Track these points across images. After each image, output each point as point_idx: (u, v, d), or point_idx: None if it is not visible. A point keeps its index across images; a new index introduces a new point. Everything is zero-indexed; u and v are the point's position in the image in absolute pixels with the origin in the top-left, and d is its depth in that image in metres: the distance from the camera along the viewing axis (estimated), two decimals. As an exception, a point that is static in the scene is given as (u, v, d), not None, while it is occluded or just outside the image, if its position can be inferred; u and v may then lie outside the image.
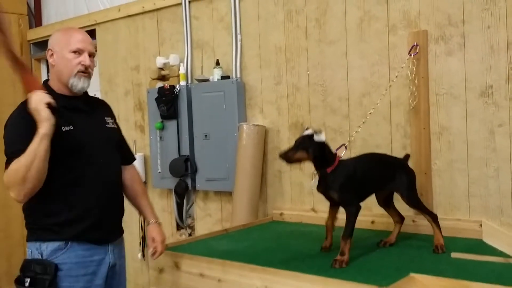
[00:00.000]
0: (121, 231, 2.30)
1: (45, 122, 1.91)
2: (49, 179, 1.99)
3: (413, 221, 2.65)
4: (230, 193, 3.46)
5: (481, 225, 2.51)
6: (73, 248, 2.06)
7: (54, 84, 2.14)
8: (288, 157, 2.25)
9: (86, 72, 2.12)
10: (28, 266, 2.04)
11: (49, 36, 4.78)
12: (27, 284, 2.01)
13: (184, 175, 3.64)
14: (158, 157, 3.79)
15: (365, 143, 2.89)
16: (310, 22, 3.11)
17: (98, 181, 2.12)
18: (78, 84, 2.10)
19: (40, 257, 2.04)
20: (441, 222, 2.55)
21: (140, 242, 3.93)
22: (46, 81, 2.18)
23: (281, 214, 3.24)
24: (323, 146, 2.26)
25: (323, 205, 2.92)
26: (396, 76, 2.71)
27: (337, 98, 3.02)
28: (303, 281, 1.97)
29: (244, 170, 3.23)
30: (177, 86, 3.64)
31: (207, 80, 3.56)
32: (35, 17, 5.01)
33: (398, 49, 2.77)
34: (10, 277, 4.71)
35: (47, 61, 5.08)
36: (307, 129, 2.29)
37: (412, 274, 1.95)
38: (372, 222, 2.78)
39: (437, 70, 2.65)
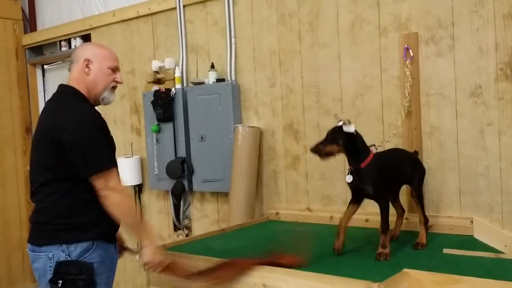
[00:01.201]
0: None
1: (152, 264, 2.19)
2: (80, 182, 2.09)
3: (406, 218, 2.70)
4: (226, 194, 3.51)
5: (472, 222, 2.57)
6: (97, 247, 2.14)
7: (83, 91, 2.22)
8: (319, 150, 2.24)
9: (116, 87, 2.29)
10: (63, 268, 2.08)
11: (44, 41, 4.86)
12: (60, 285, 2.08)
13: (180, 177, 3.68)
14: (154, 159, 3.84)
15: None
16: (303, 26, 3.17)
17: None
18: (110, 97, 2.27)
19: (68, 258, 2.09)
20: (433, 219, 2.63)
21: (138, 243, 3.96)
22: (67, 86, 2.23)
23: (277, 213, 3.29)
24: (354, 137, 2.25)
25: (318, 204, 2.98)
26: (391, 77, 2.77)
27: (331, 99, 3.08)
28: (299, 277, 2.02)
29: (240, 171, 3.28)
30: (173, 89, 3.69)
31: (202, 83, 3.61)
32: (30, 22, 5.03)
33: (389, 51, 2.83)
34: (10, 280, 4.76)
35: (42, 66, 5.13)
36: (339, 120, 2.27)
37: (405, 270, 2.01)
38: (366, 220, 2.83)
39: (428, 71, 2.71)
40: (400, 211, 2.60)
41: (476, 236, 2.53)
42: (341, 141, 2.23)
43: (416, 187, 2.49)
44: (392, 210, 2.58)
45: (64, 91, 2.24)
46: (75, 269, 2.07)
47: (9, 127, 4.85)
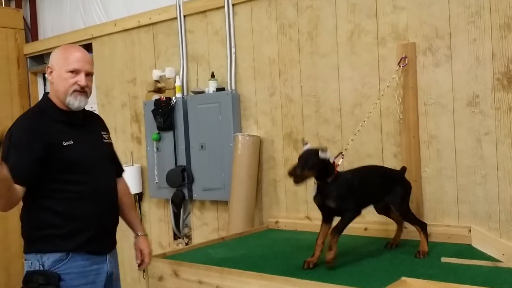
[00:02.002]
0: (115, 242, 2.33)
1: None
2: (50, 192, 2.06)
3: (405, 227, 2.72)
4: (226, 202, 3.52)
5: (470, 231, 2.59)
6: (73, 258, 2.10)
7: (54, 99, 2.18)
8: (297, 174, 2.26)
9: (83, 91, 2.15)
10: (30, 277, 2.07)
11: (45, 50, 4.89)
12: None
13: (180, 185, 3.70)
14: (155, 167, 3.86)
15: (356, 152, 2.97)
16: (302, 35, 3.20)
17: (97, 194, 2.17)
18: (74, 102, 2.14)
19: (41, 268, 2.07)
20: (431, 228, 2.64)
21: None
22: (47, 94, 2.24)
23: (277, 222, 3.31)
24: (327, 162, 2.31)
25: (318, 213, 2.99)
26: (387, 86, 2.79)
27: (330, 108, 3.10)
28: (298, 286, 2.04)
29: (239, 179, 3.30)
30: (173, 98, 3.72)
31: (203, 92, 3.64)
32: (31, 32, 5.06)
33: (387, 61, 2.86)
34: (9, 288, 4.75)
35: (43, 75, 5.17)
36: (306, 143, 2.33)
37: (403, 278, 2.03)
38: (365, 229, 2.85)
39: (425, 80, 2.74)
40: (399, 219, 2.61)
41: (474, 244, 2.55)
42: (317, 167, 2.28)
43: (397, 204, 2.47)
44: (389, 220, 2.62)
45: (38, 101, 2.26)
46: (42, 279, 2.04)
47: (10, 136, 4.86)
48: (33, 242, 2.12)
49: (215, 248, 2.87)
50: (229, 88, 3.52)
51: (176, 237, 3.92)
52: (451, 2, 2.65)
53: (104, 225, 2.21)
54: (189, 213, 3.85)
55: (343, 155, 2.52)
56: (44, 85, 5.15)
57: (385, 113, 2.89)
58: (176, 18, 3.79)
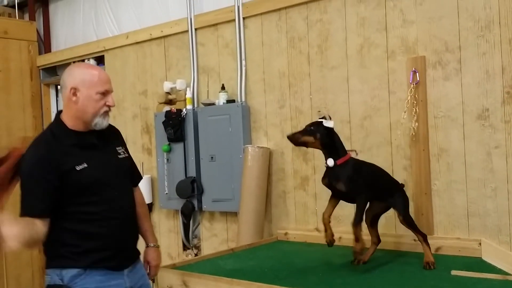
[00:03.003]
0: (136, 255, 2.30)
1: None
2: (66, 213, 2.08)
3: (414, 240, 2.71)
4: (235, 214, 3.53)
5: (480, 244, 2.58)
6: (91, 274, 2.10)
7: (68, 120, 2.14)
8: (295, 138, 2.31)
9: (109, 111, 2.17)
10: None
11: (58, 62, 4.96)
12: None
13: (190, 196, 3.72)
14: (165, 178, 3.88)
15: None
16: (312, 49, 3.23)
17: (113, 213, 2.15)
18: (102, 123, 2.14)
19: (61, 282, 2.09)
20: (441, 241, 2.65)
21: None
22: (59, 113, 2.20)
23: (286, 233, 3.31)
24: (332, 133, 2.31)
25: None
26: (404, 114, 2.81)
27: (339, 121, 3.12)
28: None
29: (249, 191, 3.32)
30: (184, 110, 3.75)
31: (213, 104, 3.67)
32: (44, 44, 5.14)
33: (397, 74, 2.88)
34: (20, 297, 4.78)
35: (56, 86, 5.22)
36: (322, 117, 2.33)
37: (413, 291, 2.03)
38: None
39: (435, 94, 2.76)
40: (375, 239, 2.62)
41: (485, 258, 2.54)
42: (319, 135, 2.31)
43: (402, 212, 2.49)
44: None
45: (50, 124, 2.23)
46: None
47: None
48: (53, 258, 2.15)
49: (224, 259, 2.88)
50: (239, 100, 3.55)
51: (185, 248, 3.94)
52: (460, 16, 2.67)
53: (121, 243, 2.19)
54: (198, 224, 3.86)
55: (356, 153, 2.55)
56: (57, 96, 5.22)
57: (394, 126, 2.90)
58: (187, 31, 3.84)
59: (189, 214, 3.80)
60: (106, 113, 2.15)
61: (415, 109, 2.75)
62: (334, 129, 2.37)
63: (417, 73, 2.76)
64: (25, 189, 2.05)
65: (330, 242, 2.44)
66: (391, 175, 2.86)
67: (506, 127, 2.54)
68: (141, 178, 2.51)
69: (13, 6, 5.13)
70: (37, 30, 5.10)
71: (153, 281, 2.48)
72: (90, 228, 2.11)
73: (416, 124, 2.75)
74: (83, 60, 4.75)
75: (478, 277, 2.26)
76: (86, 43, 4.68)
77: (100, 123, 2.14)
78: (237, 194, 3.44)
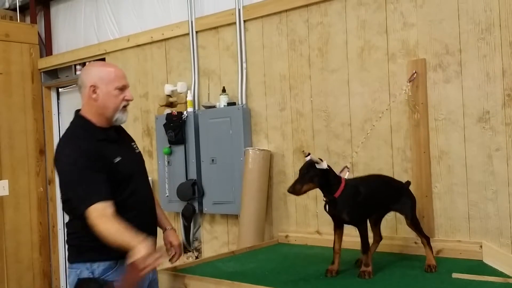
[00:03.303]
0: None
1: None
2: None
3: (415, 242, 2.72)
4: (236, 216, 3.53)
5: (481, 247, 2.58)
6: (121, 267, 2.14)
7: (91, 117, 2.22)
8: (297, 191, 2.33)
9: (127, 105, 2.26)
10: (82, 285, 2.14)
11: (59, 65, 4.97)
12: None
13: (191, 199, 3.73)
14: (166, 181, 3.89)
15: (367, 167, 2.98)
16: (313, 51, 3.23)
17: (142, 203, 2.25)
18: (122, 117, 2.24)
19: (91, 275, 2.14)
20: (442, 244, 2.65)
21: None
22: (78, 112, 2.27)
23: (287, 236, 3.31)
24: (327, 172, 2.35)
25: (328, 227, 3.00)
26: (393, 101, 2.82)
27: (340, 123, 3.12)
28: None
29: (250, 193, 3.32)
30: (185, 113, 3.76)
31: (214, 106, 3.67)
32: (46, 46, 5.14)
33: (397, 77, 2.88)
34: (21, 300, 4.78)
35: (57, 89, 5.23)
36: (307, 155, 2.35)
37: (414, 294, 2.02)
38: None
39: (436, 96, 2.76)
40: (377, 238, 2.64)
41: (486, 260, 2.54)
42: (316, 179, 2.32)
43: (409, 215, 2.49)
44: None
45: (73, 122, 2.27)
46: (95, 286, 2.12)
47: (23, 149, 4.93)
48: (84, 251, 2.19)
49: (225, 261, 2.88)
50: (240, 103, 3.55)
51: (186, 250, 3.93)
52: (461, 19, 2.67)
53: (149, 234, 2.21)
54: (199, 227, 3.86)
55: (348, 168, 2.53)
56: (58, 99, 5.23)
57: (395, 128, 2.90)
58: (188, 33, 3.85)
59: (189, 216, 3.80)
60: (125, 108, 2.24)
61: (416, 107, 2.75)
62: (329, 167, 2.37)
63: (416, 74, 2.76)
64: (80, 180, 2.07)
65: (331, 272, 2.40)
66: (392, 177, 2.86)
67: (507, 129, 2.54)
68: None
69: (14, 9, 5.14)
70: (38, 33, 5.11)
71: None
72: (124, 219, 2.12)
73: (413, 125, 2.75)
74: (84, 63, 4.77)
75: (479, 280, 2.25)
76: (87, 46, 4.69)
77: (120, 118, 2.24)
78: (237, 197, 3.44)
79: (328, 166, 2.35)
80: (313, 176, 2.32)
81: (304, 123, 3.28)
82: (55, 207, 5.14)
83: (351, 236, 2.52)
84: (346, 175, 2.48)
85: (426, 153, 2.77)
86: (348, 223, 2.41)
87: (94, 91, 2.18)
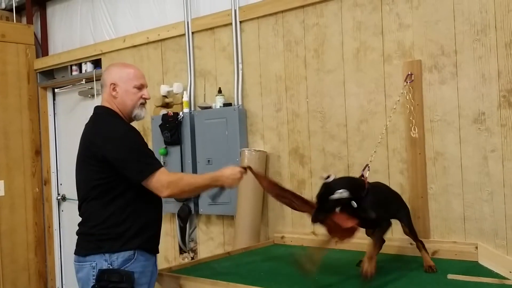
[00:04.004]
0: None
1: (231, 180, 2.40)
2: (122, 193, 2.24)
3: (411, 243, 2.71)
4: (232, 217, 3.53)
5: (476, 248, 2.58)
6: (138, 258, 2.25)
7: (115, 110, 2.37)
8: (323, 220, 2.24)
9: (145, 103, 2.44)
10: (104, 276, 2.18)
11: (55, 65, 4.95)
12: None
13: (187, 200, 3.72)
14: (161, 182, 3.87)
15: (362, 168, 2.97)
16: (308, 52, 3.23)
17: (155, 195, 2.30)
18: (141, 114, 2.42)
19: (110, 266, 2.20)
20: (438, 245, 2.66)
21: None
22: (99, 106, 2.42)
23: (282, 237, 3.31)
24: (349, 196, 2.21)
25: (323, 228, 3.00)
26: (395, 107, 2.82)
27: (336, 124, 3.12)
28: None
29: (245, 194, 3.31)
30: (181, 113, 3.75)
31: (210, 107, 3.67)
32: (42, 47, 5.14)
33: (393, 78, 2.88)
34: (16, 301, 4.77)
35: (53, 89, 5.22)
36: (327, 177, 2.24)
37: (409, 295, 2.02)
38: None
39: (431, 97, 2.76)
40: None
41: (481, 262, 2.54)
42: (338, 203, 2.21)
43: (407, 224, 2.51)
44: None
45: (99, 112, 2.40)
46: (117, 277, 2.17)
47: (19, 149, 4.92)
48: (102, 242, 2.24)
49: (221, 262, 2.87)
50: (236, 104, 3.55)
51: (182, 251, 3.93)
52: (456, 20, 2.67)
53: (158, 226, 2.44)
54: (195, 228, 3.85)
55: (369, 167, 2.53)
56: (54, 99, 5.21)
57: (391, 130, 2.90)
58: (184, 34, 3.84)
59: (185, 217, 3.80)
60: (142, 105, 2.41)
61: (410, 108, 2.75)
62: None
63: (413, 76, 2.76)
64: (139, 151, 2.25)
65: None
66: (387, 178, 2.87)
67: (502, 131, 2.55)
68: None
69: (10, 10, 5.13)
70: (34, 34, 5.10)
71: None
72: (141, 209, 2.28)
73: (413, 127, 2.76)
74: (80, 64, 4.76)
75: (474, 281, 2.25)
76: (83, 46, 4.69)
77: (139, 114, 2.40)
78: (233, 198, 3.43)
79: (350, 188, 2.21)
80: (333, 206, 2.20)
81: (300, 124, 3.28)
82: (51, 208, 5.13)
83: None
84: (367, 173, 2.48)
85: (422, 154, 2.77)
86: (372, 222, 2.33)
87: (114, 89, 2.35)
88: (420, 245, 2.50)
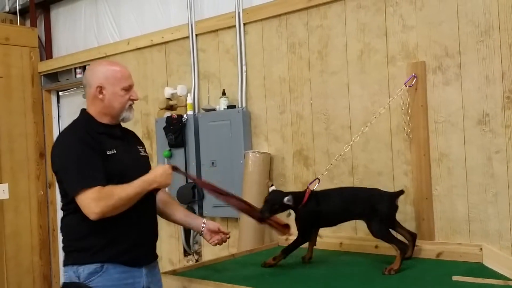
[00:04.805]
0: (155, 255, 2.35)
1: (164, 177, 2.17)
2: None
3: (417, 245, 2.71)
4: (236, 219, 3.53)
5: (481, 249, 2.57)
6: (108, 271, 2.11)
7: (95, 114, 2.24)
8: (266, 218, 2.56)
9: (133, 104, 2.30)
10: None
11: (59, 68, 4.97)
12: None
13: (191, 202, 3.72)
14: (166, 184, 3.88)
15: (367, 170, 2.98)
16: (312, 54, 3.24)
17: (136, 204, 2.15)
18: (129, 116, 2.28)
19: (77, 280, 2.10)
20: (442, 247, 2.65)
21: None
22: (85, 110, 2.29)
23: (287, 239, 3.29)
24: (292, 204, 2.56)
25: (327, 230, 3.00)
26: (388, 103, 2.82)
27: (340, 126, 3.12)
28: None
29: (250, 196, 3.30)
30: (185, 116, 3.76)
31: (214, 109, 3.67)
32: (46, 50, 5.15)
33: (397, 79, 2.88)
34: (21, 304, 4.78)
35: (57, 92, 5.23)
36: (271, 185, 2.65)
37: (414, 297, 2.02)
38: (376, 246, 2.84)
39: (435, 99, 2.76)
40: (408, 237, 2.62)
41: (486, 263, 2.53)
42: (281, 209, 2.58)
43: (372, 225, 2.50)
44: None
45: (76, 118, 2.30)
46: None
47: (23, 152, 4.93)
48: (71, 253, 2.17)
49: (225, 265, 2.87)
50: (239, 106, 3.55)
51: (186, 253, 3.93)
52: (460, 22, 2.67)
53: (139, 237, 2.21)
54: (199, 230, 3.85)
55: (319, 180, 2.67)
56: (58, 102, 5.23)
57: (395, 131, 2.90)
58: (188, 37, 3.85)
59: (190, 219, 3.79)
60: (131, 107, 2.27)
61: (408, 110, 2.75)
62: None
63: (415, 79, 2.76)
64: (77, 164, 2.08)
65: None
66: (392, 180, 2.87)
67: (507, 132, 2.54)
68: None
69: (14, 13, 5.15)
70: (38, 37, 5.12)
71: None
72: (111, 218, 2.09)
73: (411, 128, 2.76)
74: (84, 66, 4.77)
75: (479, 282, 2.25)
76: (87, 49, 4.70)
77: (127, 116, 2.27)
78: (238, 200, 3.43)
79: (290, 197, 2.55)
80: (278, 208, 2.55)
81: (304, 126, 3.28)
82: (55, 211, 5.14)
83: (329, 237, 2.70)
84: (315, 186, 2.64)
85: (426, 155, 2.77)
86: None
87: (100, 92, 2.20)
88: (395, 247, 2.45)
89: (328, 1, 3.14)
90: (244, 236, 3.32)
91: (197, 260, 3.82)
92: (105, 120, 2.24)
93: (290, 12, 3.32)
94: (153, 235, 2.33)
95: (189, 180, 3.73)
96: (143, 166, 2.33)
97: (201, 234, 2.47)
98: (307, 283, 2.37)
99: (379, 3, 2.95)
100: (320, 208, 2.58)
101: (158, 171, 2.19)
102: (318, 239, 3.12)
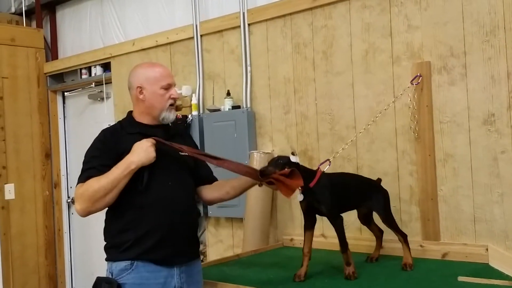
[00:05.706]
0: (192, 255, 2.30)
1: (142, 153, 2.07)
2: (119, 201, 2.11)
3: (421, 246, 2.71)
4: (241, 220, 3.53)
5: (487, 250, 2.57)
6: (137, 269, 2.12)
7: (137, 115, 2.27)
8: (268, 173, 2.27)
9: (174, 103, 2.28)
10: (98, 283, 2.14)
11: (65, 69, 4.99)
12: None
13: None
14: (170, 185, 3.88)
15: (372, 170, 2.98)
16: (317, 54, 3.24)
17: (164, 203, 2.15)
18: (169, 116, 2.26)
19: (110, 275, 2.15)
20: (448, 247, 2.64)
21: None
22: (130, 112, 2.32)
23: (291, 239, 3.31)
24: (298, 165, 2.31)
25: (332, 231, 3.00)
26: (393, 101, 2.81)
27: (345, 126, 3.12)
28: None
29: (254, 196, 3.32)
30: (190, 116, 3.76)
31: (219, 110, 3.68)
32: (51, 51, 5.18)
33: (402, 79, 2.88)
34: (26, 304, 4.80)
35: (63, 93, 5.25)
36: (294, 154, 2.35)
37: (419, 297, 2.01)
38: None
39: (441, 99, 2.75)
40: (377, 233, 2.67)
41: (491, 264, 2.52)
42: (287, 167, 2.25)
43: (382, 212, 2.53)
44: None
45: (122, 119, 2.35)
46: (107, 286, 2.11)
47: (29, 153, 4.95)
48: (107, 250, 2.21)
49: (230, 265, 2.88)
50: (244, 106, 3.55)
51: (191, 254, 3.93)
52: (465, 22, 2.67)
53: (170, 234, 2.16)
54: (204, 230, 3.86)
55: (330, 162, 2.55)
56: (63, 103, 5.25)
57: (400, 131, 2.90)
58: (193, 37, 3.86)
59: (194, 220, 3.80)
60: (171, 106, 2.26)
61: (414, 109, 2.75)
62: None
63: (421, 78, 2.76)
64: (86, 162, 2.16)
65: (300, 277, 2.38)
66: (397, 180, 2.86)
67: (512, 132, 2.54)
68: (214, 177, 2.50)
69: (20, 14, 5.18)
70: (44, 38, 5.14)
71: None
72: (140, 216, 2.13)
73: (417, 129, 2.75)
74: (89, 67, 4.79)
75: (485, 283, 2.24)
76: (93, 50, 4.72)
77: (167, 116, 2.25)
78: (242, 200, 3.43)
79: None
80: (285, 164, 2.27)
81: (309, 126, 3.28)
82: (61, 211, 5.16)
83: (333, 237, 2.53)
84: (326, 168, 2.47)
85: (431, 156, 2.76)
86: (323, 215, 2.40)
87: (141, 92, 2.23)
88: (402, 239, 2.49)
89: (332, 1, 3.14)
90: (249, 237, 3.32)
91: (202, 260, 3.82)
92: (145, 120, 2.25)
93: (294, 12, 3.32)
94: (185, 236, 2.24)
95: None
96: (182, 164, 2.28)
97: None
98: (312, 282, 2.36)
99: (384, 3, 2.95)
100: (335, 181, 2.43)
101: (136, 150, 2.09)
102: (322, 239, 3.14)
